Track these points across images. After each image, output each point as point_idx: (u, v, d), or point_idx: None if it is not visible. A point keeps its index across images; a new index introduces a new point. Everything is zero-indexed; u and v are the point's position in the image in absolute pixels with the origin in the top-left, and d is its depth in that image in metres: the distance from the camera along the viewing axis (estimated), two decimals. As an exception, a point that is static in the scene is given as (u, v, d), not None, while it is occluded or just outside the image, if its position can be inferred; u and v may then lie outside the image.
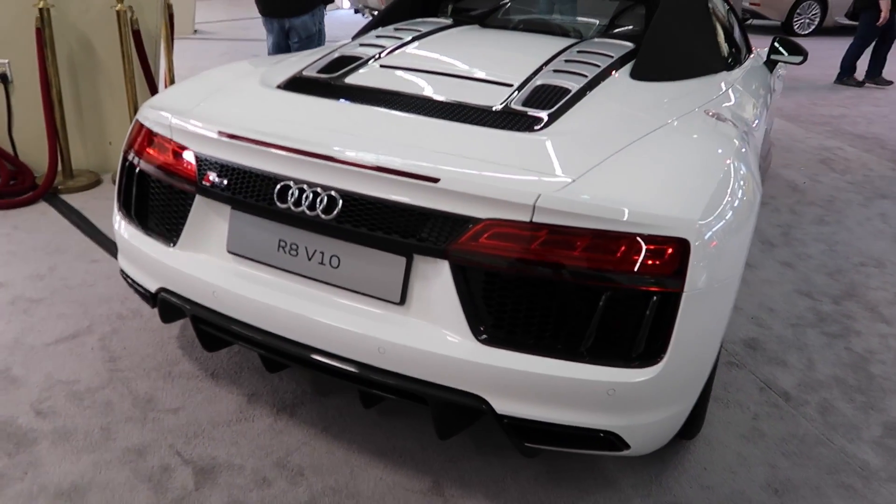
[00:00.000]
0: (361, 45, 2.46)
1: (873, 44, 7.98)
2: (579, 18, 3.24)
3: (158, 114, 2.01)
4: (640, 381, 1.59)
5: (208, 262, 1.93)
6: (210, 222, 1.92)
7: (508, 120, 1.86)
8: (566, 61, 2.28)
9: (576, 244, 1.56)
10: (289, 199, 1.73)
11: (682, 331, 1.59)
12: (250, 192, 1.80)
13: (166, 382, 2.29)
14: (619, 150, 1.74)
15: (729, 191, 1.73)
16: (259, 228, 1.84)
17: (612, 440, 1.67)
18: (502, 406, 1.64)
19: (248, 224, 1.85)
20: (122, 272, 2.23)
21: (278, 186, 1.75)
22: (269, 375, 2.33)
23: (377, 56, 2.33)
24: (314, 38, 4.34)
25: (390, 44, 2.46)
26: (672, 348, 1.59)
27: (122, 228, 2.14)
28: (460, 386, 1.66)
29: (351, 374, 1.75)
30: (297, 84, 2.12)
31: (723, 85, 2.54)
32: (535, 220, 1.56)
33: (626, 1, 3.21)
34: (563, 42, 2.61)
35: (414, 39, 2.53)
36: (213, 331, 1.96)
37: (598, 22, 3.12)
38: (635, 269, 1.55)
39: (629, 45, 2.58)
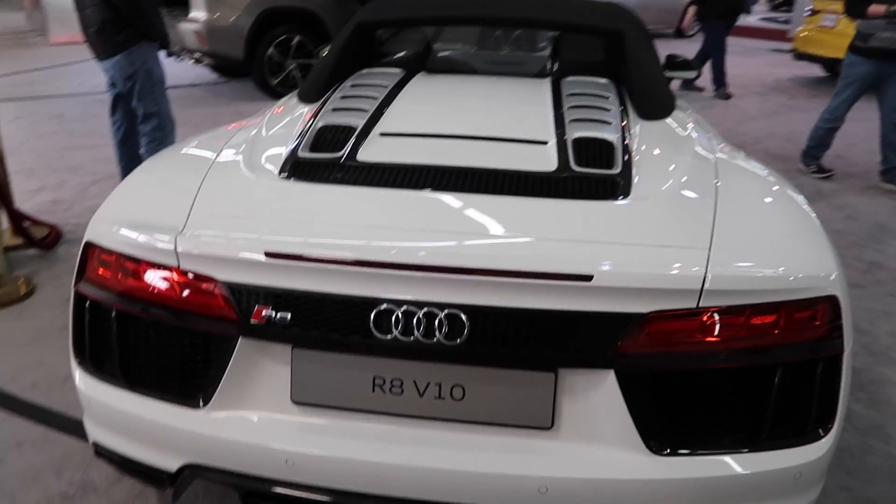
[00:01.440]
0: (335, 110, 2.09)
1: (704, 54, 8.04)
2: (519, 53, 3.10)
3: (147, 236, 1.52)
4: (821, 456, 1.46)
5: (265, 420, 1.49)
6: (260, 369, 1.48)
7: (584, 187, 1.63)
8: (574, 107, 2.11)
9: (746, 323, 1.40)
10: (392, 326, 1.37)
11: (845, 393, 1.49)
12: (327, 325, 1.41)
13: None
14: (713, 208, 1.60)
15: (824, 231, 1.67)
16: (342, 368, 1.44)
17: None
18: (684, 521, 1.43)
19: (325, 364, 1.45)
20: (100, 449, 1.67)
21: (375, 312, 1.38)
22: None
23: (368, 123, 1.98)
24: (138, 79, 3.73)
25: (367, 105, 2.11)
26: (839, 413, 1.48)
27: (94, 389, 1.61)
28: None
29: None
30: (304, 170, 1.72)
31: (688, 111, 2.53)
32: (701, 304, 1.37)
33: (548, 32, 3.14)
34: (540, 84, 2.44)
35: (390, 97, 2.21)
36: None
37: (538, 55, 3.01)
38: (805, 337, 1.42)
39: (604, 80, 2.48)
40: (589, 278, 1.34)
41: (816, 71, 10.02)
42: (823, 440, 1.46)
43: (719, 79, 7.96)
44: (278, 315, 1.42)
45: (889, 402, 2.52)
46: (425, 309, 1.36)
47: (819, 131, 5.20)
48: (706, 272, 1.36)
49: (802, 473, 1.45)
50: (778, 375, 1.41)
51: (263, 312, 1.42)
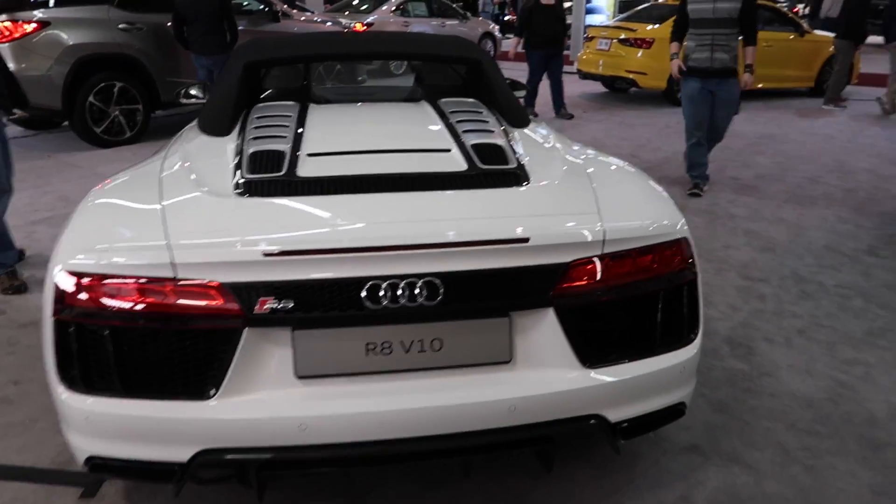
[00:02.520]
0: (255, 138, 2.34)
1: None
2: (386, 83, 3.48)
3: (137, 254, 1.69)
4: (695, 353, 1.99)
5: (275, 397, 1.72)
6: (264, 353, 1.72)
7: (494, 179, 2.06)
8: (460, 121, 2.54)
9: (636, 262, 1.89)
10: (381, 298, 1.69)
11: (701, 306, 2.05)
12: (324, 305, 1.69)
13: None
14: (591, 186, 2.10)
15: None
16: (338, 340, 1.73)
17: (681, 409, 2.03)
18: (616, 415, 1.88)
19: (323, 340, 1.72)
20: (99, 461, 1.78)
21: (365, 288, 1.68)
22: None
23: (293, 147, 2.26)
24: None
25: (283, 132, 2.38)
26: (701, 321, 2.03)
27: (92, 405, 1.73)
28: (579, 412, 1.85)
29: (486, 445, 1.78)
30: (257, 188, 1.97)
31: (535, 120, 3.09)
32: (604, 251, 1.84)
33: (405, 63, 3.58)
34: (421, 106, 2.85)
35: (299, 125, 2.49)
36: (295, 470, 1.75)
37: (402, 84, 3.41)
38: (673, 269, 1.94)
39: (470, 100, 2.95)
40: (526, 240, 1.76)
41: (599, 87, 11.54)
42: (695, 342, 1.99)
43: (529, 100, 8.68)
44: (280, 304, 1.67)
45: (715, 332, 3.21)
46: (406, 280, 1.70)
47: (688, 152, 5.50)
48: (604, 229, 1.84)
49: (686, 367, 1.97)
50: (660, 298, 1.93)
51: (266, 304, 1.67)
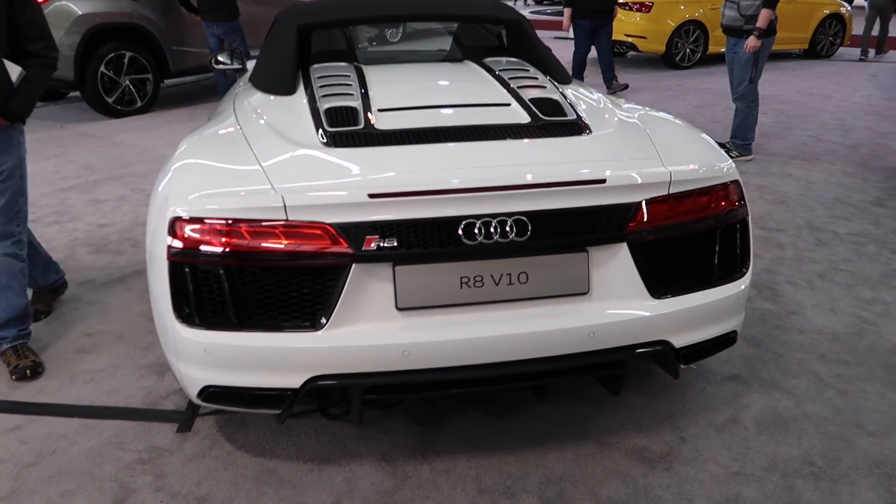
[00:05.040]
0: (325, 96, 2.47)
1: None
2: (423, 46, 3.60)
3: (250, 198, 1.84)
4: (747, 284, 2.18)
5: (379, 327, 1.89)
6: (368, 288, 1.88)
7: (558, 129, 2.22)
8: (513, 78, 2.69)
9: (697, 202, 2.07)
10: (476, 234, 1.85)
11: (751, 244, 2.23)
12: (423, 242, 1.85)
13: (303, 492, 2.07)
14: (646, 133, 2.27)
15: None
16: (435, 275, 1.89)
17: (734, 337, 2.23)
18: (680, 341, 2.07)
19: (421, 274, 1.88)
20: (215, 390, 1.94)
21: (462, 226, 1.84)
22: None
23: (364, 104, 2.40)
24: None
25: (350, 90, 2.52)
26: (751, 256, 2.22)
27: (209, 338, 1.88)
28: (649, 338, 2.03)
29: (569, 368, 1.97)
30: (341, 139, 2.11)
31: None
32: (671, 191, 2.02)
33: (445, 25, 3.69)
34: (469, 65, 2.98)
35: (362, 84, 2.62)
36: (396, 394, 1.93)
37: (442, 45, 3.53)
38: (728, 208, 2.12)
39: (513, 59, 3.08)
40: (603, 181, 1.93)
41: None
42: (747, 275, 2.18)
43: (577, 74, 8.07)
44: (384, 241, 1.83)
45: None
46: (498, 218, 1.86)
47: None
48: (670, 171, 2.01)
49: (739, 298, 2.16)
50: (717, 235, 2.11)
51: (372, 242, 1.83)
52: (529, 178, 1.89)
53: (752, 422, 2.36)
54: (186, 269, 1.88)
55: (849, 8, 11.28)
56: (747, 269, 2.19)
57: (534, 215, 1.89)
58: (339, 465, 2.16)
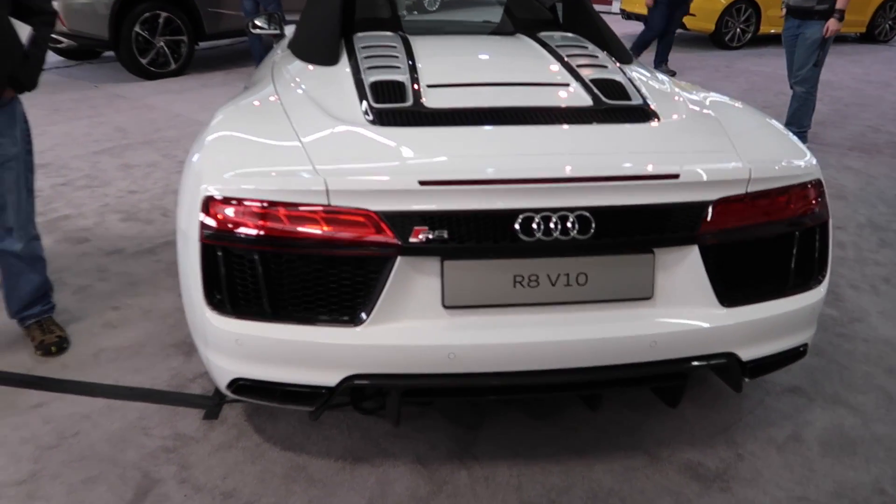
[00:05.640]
0: (370, 68, 2.30)
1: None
2: (475, 16, 3.41)
3: (289, 180, 1.69)
4: (824, 294, 1.99)
5: (424, 325, 1.74)
6: (413, 282, 1.73)
7: (623, 115, 2.03)
8: (571, 56, 2.49)
9: (776, 202, 1.87)
10: (534, 230, 1.68)
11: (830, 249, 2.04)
12: (476, 236, 1.69)
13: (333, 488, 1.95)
14: (720, 123, 2.07)
15: None
16: (486, 271, 1.73)
17: (804, 350, 2.05)
18: (748, 354, 1.89)
19: (471, 271, 1.73)
20: (245, 383, 1.82)
21: (519, 220, 1.68)
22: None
23: (413, 78, 2.22)
24: None
25: (397, 63, 2.34)
26: (829, 263, 2.02)
27: (241, 328, 1.75)
28: (715, 350, 1.86)
29: (625, 378, 1.82)
30: (388, 117, 1.95)
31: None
32: (749, 190, 1.82)
33: None
34: (520, 40, 2.79)
35: (409, 56, 2.44)
36: (436, 396, 1.79)
37: (490, 17, 3.33)
38: (808, 210, 1.92)
39: (570, 34, 2.88)
40: (676, 176, 1.74)
41: (641, 28, 11.22)
42: (823, 283, 1.98)
43: (638, 49, 7.63)
44: (434, 233, 1.68)
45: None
46: (559, 213, 1.69)
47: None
48: (749, 168, 1.81)
49: (814, 309, 1.97)
50: (796, 239, 1.91)
51: (420, 233, 1.67)
52: (596, 171, 1.72)
53: (816, 441, 2.19)
54: (219, 253, 1.74)
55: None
56: (824, 277, 1.99)
57: (598, 211, 1.72)
58: (372, 466, 2.04)
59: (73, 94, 6.40)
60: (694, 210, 1.77)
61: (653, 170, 1.74)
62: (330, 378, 1.76)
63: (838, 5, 4.60)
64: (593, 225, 1.71)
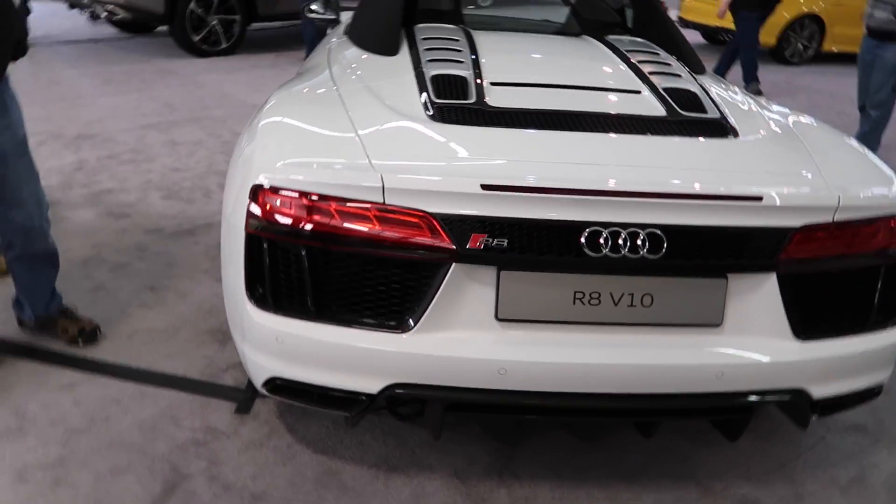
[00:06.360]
0: (432, 61, 2.19)
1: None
2: (540, 14, 3.28)
3: (347, 174, 1.60)
4: None
5: (476, 337, 1.63)
6: (466, 291, 1.62)
7: (699, 128, 1.88)
8: (643, 62, 2.35)
9: (862, 233, 1.72)
10: (601, 245, 1.56)
11: None
12: (538, 247, 1.57)
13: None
14: (803, 143, 1.92)
15: None
16: (545, 285, 1.62)
17: (879, 391, 1.89)
18: (820, 391, 1.75)
19: (529, 283, 1.61)
20: (282, 382, 1.73)
21: (586, 233, 1.56)
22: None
23: (476, 74, 2.11)
24: None
25: (460, 58, 2.23)
26: None
27: (284, 325, 1.66)
28: (785, 385, 1.72)
29: (688, 409, 1.70)
30: (450, 113, 1.84)
31: None
32: (836, 219, 1.68)
33: None
34: (587, 42, 2.66)
35: (471, 51, 2.33)
36: (483, 412, 1.69)
37: (556, 16, 3.21)
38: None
39: (640, 39, 2.73)
40: (760, 199, 1.60)
41: (698, 38, 10.92)
42: None
43: (750, 74, 7.06)
44: (494, 241, 1.57)
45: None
46: (629, 229, 1.57)
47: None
48: (839, 195, 1.66)
49: (893, 349, 1.82)
50: (880, 274, 1.76)
51: (479, 240, 1.57)
52: (672, 187, 1.59)
53: (883, 486, 2.03)
54: (265, 245, 1.66)
55: None
56: None
57: (671, 230, 1.58)
58: (407, 476, 1.94)
59: (124, 67, 6.43)
60: (775, 236, 1.63)
61: (734, 190, 1.60)
62: (372, 385, 1.66)
63: None
64: (665, 244, 1.58)
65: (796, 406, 1.76)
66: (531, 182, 1.56)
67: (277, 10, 7.47)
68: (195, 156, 4.33)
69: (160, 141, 4.56)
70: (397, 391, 1.65)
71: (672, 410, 1.73)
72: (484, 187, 1.55)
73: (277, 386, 1.76)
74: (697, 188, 1.60)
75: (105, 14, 6.97)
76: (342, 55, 2.54)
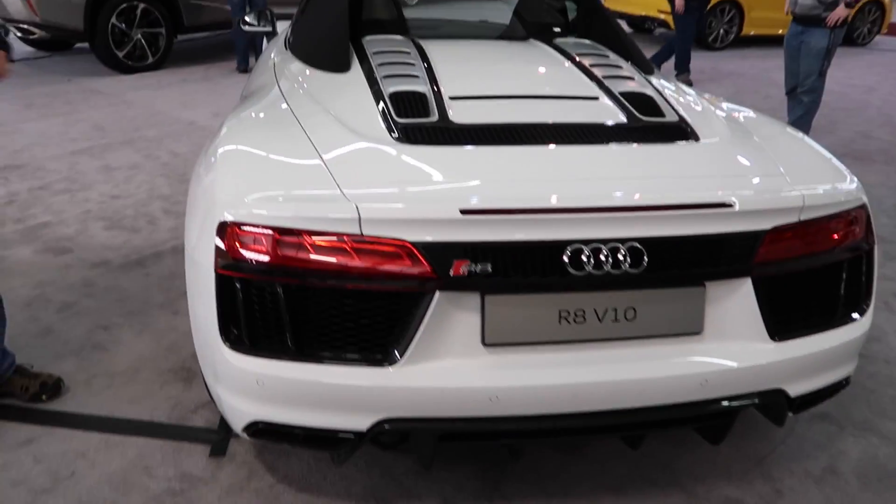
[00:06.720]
0: (387, 77, 2.14)
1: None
2: (488, 19, 3.26)
3: (318, 206, 1.55)
4: (869, 325, 1.90)
5: (463, 365, 1.61)
6: (452, 319, 1.59)
7: (661, 133, 1.92)
8: (595, 66, 2.37)
9: (826, 229, 1.78)
10: (584, 263, 1.56)
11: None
12: (522, 269, 1.56)
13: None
14: (761, 145, 1.97)
15: None
16: (530, 307, 1.61)
17: (847, 383, 1.96)
18: (796, 389, 1.80)
19: (514, 306, 1.60)
20: (265, 426, 1.67)
21: (568, 252, 1.56)
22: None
23: (435, 89, 2.08)
24: None
25: (414, 72, 2.19)
26: (874, 291, 1.93)
27: (261, 367, 1.60)
28: (765, 386, 1.76)
29: (676, 419, 1.71)
30: (414, 133, 1.81)
31: None
32: (801, 218, 1.72)
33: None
34: (535, 46, 2.66)
35: (423, 63, 2.29)
36: (476, 440, 1.67)
37: (499, 20, 3.20)
38: (856, 236, 1.83)
39: (588, 41, 2.75)
40: (731, 205, 1.63)
41: (623, 27, 11.16)
42: (868, 313, 1.90)
43: (683, 65, 7.31)
44: (478, 266, 1.54)
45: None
46: (610, 244, 1.57)
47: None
48: (803, 195, 1.71)
49: (860, 340, 1.88)
50: (844, 268, 1.82)
51: (462, 266, 1.54)
52: (651, 199, 1.60)
53: (853, 473, 2.11)
54: (237, 285, 1.59)
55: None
56: (869, 306, 1.91)
57: (650, 242, 1.60)
58: (396, 508, 1.91)
59: (45, 89, 6.11)
60: (748, 240, 1.66)
61: (708, 198, 1.63)
62: (360, 422, 1.62)
63: None
64: (645, 257, 1.59)
65: (775, 405, 1.80)
66: (511, 203, 1.54)
67: (204, 20, 7.24)
68: (134, 181, 4.16)
69: (94, 167, 4.35)
70: (387, 426, 1.62)
71: (661, 422, 1.74)
72: (463, 212, 1.52)
73: (260, 430, 1.69)
74: (673, 199, 1.61)
75: (20, 34, 6.60)
76: (290, 73, 2.47)
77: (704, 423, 1.81)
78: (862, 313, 1.88)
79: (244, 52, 7.05)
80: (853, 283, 1.85)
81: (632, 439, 1.88)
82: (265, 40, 4.20)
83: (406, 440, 1.75)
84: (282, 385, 1.61)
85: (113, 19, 6.41)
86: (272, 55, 3.04)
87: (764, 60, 9.09)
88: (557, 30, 3.03)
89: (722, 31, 9.79)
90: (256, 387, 1.63)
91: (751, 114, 2.31)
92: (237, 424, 1.72)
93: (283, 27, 3.65)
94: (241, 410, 1.69)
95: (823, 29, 4.65)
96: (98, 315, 2.76)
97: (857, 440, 2.26)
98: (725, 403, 1.72)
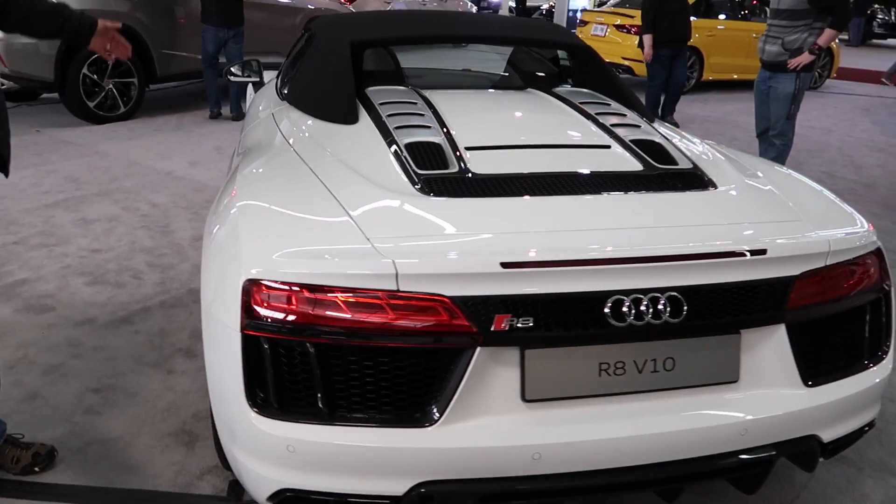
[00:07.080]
0: (399, 127, 2.13)
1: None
2: (484, 69, 3.29)
3: (352, 262, 1.50)
4: (893, 366, 1.91)
5: (503, 423, 1.55)
6: (492, 376, 1.55)
7: (679, 181, 1.93)
8: (601, 114, 2.39)
9: (849, 273, 1.79)
10: (626, 314, 1.53)
11: None
12: (564, 322, 1.53)
13: None
14: (776, 190, 2.00)
15: None
16: (570, 360, 1.57)
17: (873, 424, 1.95)
18: (829, 434, 1.79)
19: (554, 360, 1.56)
20: (296, 494, 1.58)
21: (609, 303, 1.53)
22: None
23: (449, 140, 2.06)
24: None
25: (426, 122, 2.18)
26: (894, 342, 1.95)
27: (293, 432, 1.52)
28: (800, 433, 1.74)
29: (718, 469, 1.67)
30: (437, 185, 1.79)
31: None
32: (827, 263, 1.74)
33: (494, 49, 3.40)
34: (536, 95, 2.68)
35: (434, 115, 2.28)
36: (519, 500, 1.59)
37: (495, 70, 3.23)
38: (876, 279, 1.86)
39: (586, 90, 2.79)
40: (764, 252, 1.64)
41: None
42: (890, 353, 1.91)
43: (649, 108, 7.11)
44: (518, 321, 1.50)
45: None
46: (650, 295, 1.55)
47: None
48: (828, 240, 1.73)
49: (886, 381, 1.89)
50: (867, 311, 1.84)
51: (503, 321, 1.50)
52: (688, 248, 1.59)
53: (879, 517, 2.10)
54: (265, 346, 1.52)
55: (837, 41, 11.37)
56: (890, 347, 1.92)
57: (689, 291, 1.58)
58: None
59: (14, 140, 5.90)
60: (780, 286, 1.67)
61: (742, 245, 1.63)
62: (397, 486, 1.54)
63: (820, 41, 4.57)
64: (685, 306, 1.57)
65: (809, 451, 1.78)
66: (552, 256, 1.52)
67: (176, 69, 7.18)
68: (114, 234, 4.03)
69: (70, 220, 4.21)
70: (424, 490, 1.54)
71: (702, 473, 1.70)
72: (504, 265, 1.49)
73: (287, 498, 1.60)
74: (711, 247, 1.61)
75: (-12, 84, 6.44)
76: (296, 125, 2.43)
77: (746, 472, 1.78)
78: (885, 354, 1.89)
79: (216, 98, 7.02)
80: (876, 324, 1.87)
81: (668, 493, 1.83)
82: (249, 88, 4.17)
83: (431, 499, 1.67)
84: (313, 450, 1.53)
85: (84, 69, 6.31)
86: (265, 107, 3.01)
87: (725, 104, 9.40)
88: (553, 79, 3.08)
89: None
90: (286, 453, 1.54)
91: (754, 159, 2.34)
92: (261, 493, 1.62)
93: (270, 77, 3.64)
94: (266, 478, 1.59)
95: (789, 74, 4.81)
96: (87, 377, 2.63)
97: (876, 482, 2.25)
98: (764, 452, 1.70)
